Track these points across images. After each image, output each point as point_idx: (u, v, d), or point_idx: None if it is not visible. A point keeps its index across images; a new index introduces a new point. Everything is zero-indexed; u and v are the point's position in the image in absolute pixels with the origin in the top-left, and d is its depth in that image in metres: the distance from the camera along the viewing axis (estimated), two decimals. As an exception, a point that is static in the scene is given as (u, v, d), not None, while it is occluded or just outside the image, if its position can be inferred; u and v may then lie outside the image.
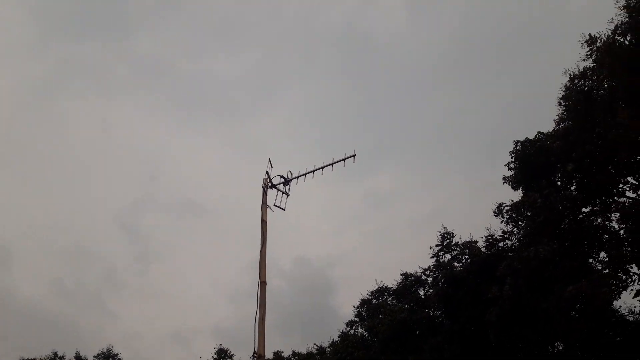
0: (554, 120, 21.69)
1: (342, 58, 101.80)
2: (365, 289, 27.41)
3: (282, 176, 9.78)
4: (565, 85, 19.34)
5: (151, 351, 57.02)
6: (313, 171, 9.52)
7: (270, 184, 9.61)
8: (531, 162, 21.03)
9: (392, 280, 26.94)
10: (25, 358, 31.85)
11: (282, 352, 32.31)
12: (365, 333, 24.84)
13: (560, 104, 19.21)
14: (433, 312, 23.65)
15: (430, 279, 22.84)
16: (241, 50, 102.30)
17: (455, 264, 21.17)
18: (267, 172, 9.60)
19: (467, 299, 19.78)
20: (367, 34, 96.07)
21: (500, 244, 20.42)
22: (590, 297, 15.86)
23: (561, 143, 19.81)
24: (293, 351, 32.08)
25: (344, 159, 9.33)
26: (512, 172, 21.63)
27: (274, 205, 9.46)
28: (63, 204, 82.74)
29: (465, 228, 33.64)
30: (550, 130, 21.69)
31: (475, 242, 21.26)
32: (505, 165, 22.19)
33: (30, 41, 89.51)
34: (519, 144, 21.90)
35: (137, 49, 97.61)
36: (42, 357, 32.22)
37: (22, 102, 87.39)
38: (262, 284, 8.33)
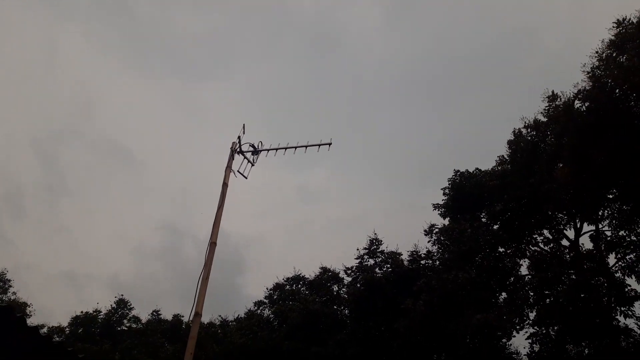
0: (496, 159, 23.04)
1: (307, 45, 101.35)
2: (274, 275, 27.66)
3: (252, 145, 9.66)
4: (517, 131, 20.60)
5: (40, 286, 54.18)
6: (285, 148, 9.47)
7: (239, 150, 9.48)
8: (465, 193, 22.22)
9: (310, 272, 27.37)
10: None
11: (182, 316, 31.93)
12: (271, 316, 25.08)
13: (509, 146, 20.37)
14: (342, 310, 24.38)
15: (349, 279, 23.46)
16: (209, 8, 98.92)
17: (377, 270, 21.90)
18: (238, 137, 9.39)
19: (380, 305, 20.54)
20: (337, 29, 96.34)
21: (423, 262, 21.37)
22: (494, 329, 17.06)
23: (497, 183, 21.09)
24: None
25: (319, 145, 9.34)
26: (446, 198, 22.75)
27: (238, 171, 9.36)
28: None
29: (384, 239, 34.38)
30: (489, 168, 23.07)
31: (400, 254, 22.12)
32: (442, 189, 23.32)
33: None
34: (458, 173, 23.11)
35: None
36: None
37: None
38: (212, 244, 8.17)
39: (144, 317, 31.46)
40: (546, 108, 18.43)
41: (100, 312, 30.25)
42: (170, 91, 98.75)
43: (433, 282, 18.60)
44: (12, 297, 31.56)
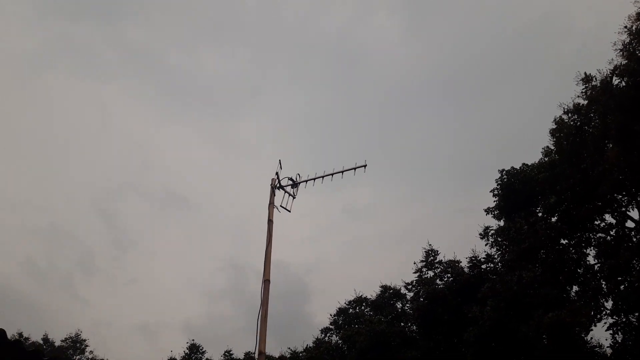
0: (541, 151, 22.40)
1: (332, 67, 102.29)
2: (337, 298, 27.65)
3: (290, 178, 9.91)
4: (558, 118, 19.98)
5: (118, 341, 56.10)
6: (323, 176, 9.66)
7: (278, 185, 9.75)
8: (515, 191, 21.60)
9: (370, 291, 27.20)
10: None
11: (253, 353, 32.22)
12: (339, 342, 24.98)
13: (552, 134, 19.76)
14: (409, 326, 24.00)
15: (411, 294, 23.15)
16: (232, 48, 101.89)
17: (438, 282, 21.52)
18: (276, 173, 9.70)
19: (446, 317, 20.11)
20: (360, 46, 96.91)
21: (484, 266, 20.84)
22: (569, 326, 16.31)
23: (547, 175, 20.41)
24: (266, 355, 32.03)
25: (354, 168, 9.50)
26: (496, 200, 22.18)
27: (280, 206, 9.60)
28: (41, 182, 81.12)
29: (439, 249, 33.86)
30: (535, 162, 22.40)
31: (459, 261, 21.67)
32: (490, 191, 22.74)
33: (26, 16, 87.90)
34: (504, 172, 22.51)
35: (128, 35, 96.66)
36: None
37: (10, 76, 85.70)
38: (266, 282, 8.39)
39: (217, 358, 32.05)
40: (583, 90, 17.84)
41: (175, 359, 31.06)
42: (208, 132, 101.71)
43: (497, 285, 18.09)
44: (90, 356, 33.05)
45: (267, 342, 8.04)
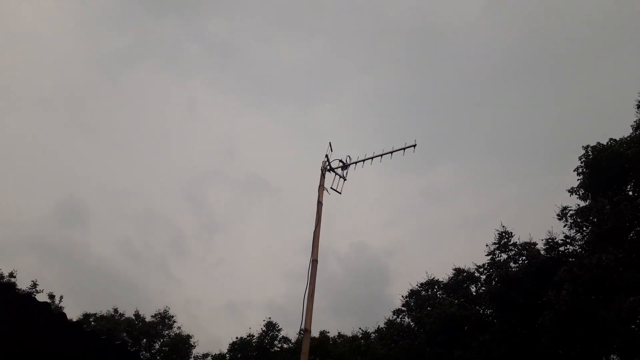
0: (631, 125, 20.61)
1: (409, 48, 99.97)
2: (415, 281, 27.30)
3: (340, 160, 9.97)
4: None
5: (208, 318, 59.67)
6: (372, 158, 9.64)
7: (329, 167, 9.82)
8: (602, 168, 20.06)
9: (442, 275, 26.67)
10: (88, 312, 34.34)
11: (329, 332, 33.00)
12: (411, 323, 24.82)
13: (639, 107, 18.10)
14: (484, 310, 23.29)
15: (483, 277, 22.43)
16: (309, 37, 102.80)
17: (512, 264, 20.66)
18: (326, 155, 9.81)
19: (520, 301, 19.31)
20: (437, 25, 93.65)
21: (561, 249, 19.71)
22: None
23: (636, 150, 18.77)
24: (338, 332, 32.72)
25: (403, 148, 9.39)
26: (580, 178, 20.75)
27: (331, 188, 9.69)
28: (137, 171, 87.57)
29: (520, 233, 32.34)
30: (625, 136, 20.62)
31: (535, 244, 20.61)
32: (574, 170, 21.31)
33: (114, 16, 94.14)
34: (589, 149, 20.92)
35: (209, 29, 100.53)
36: (104, 313, 34.64)
37: (102, 71, 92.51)
38: (314, 262, 8.58)
39: (293, 336, 33.14)
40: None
41: (253, 336, 32.51)
42: (287, 119, 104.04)
43: (575, 269, 17.05)
44: (177, 331, 35.43)
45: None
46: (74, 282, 56.64)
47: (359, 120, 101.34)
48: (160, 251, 69.32)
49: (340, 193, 9.89)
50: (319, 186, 9.61)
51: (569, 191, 21.12)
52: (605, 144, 20.91)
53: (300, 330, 7.86)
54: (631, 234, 18.16)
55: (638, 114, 18.60)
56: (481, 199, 74.79)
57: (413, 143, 9.32)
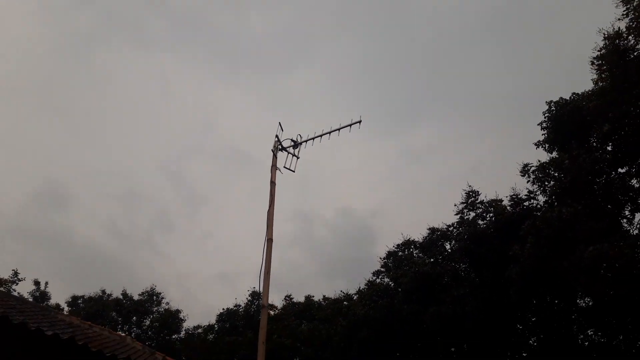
0: (591, 79, 21.01)
1: (380, 10, 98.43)
2: (400, 240, 27.97)
3: (292, 139, 10.22)
4: (602, 45, 18.52)
5: (201, 290, 60.65)
6: (321, 136, 9.88)
7: (280, 147, 10.07)
8: (565, 122, 20.54)
9: (421, 233, 27.43)
10: (76, 295, 34.78)
11: (313, 296, 33.92)
12: (390, 283, 25.64)
13: (592, 63, 18.46)
14: (459, 265, 24.14)
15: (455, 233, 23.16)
16: (277, 4, 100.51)
17: (480, 222, 21.34)
18: (276, 136, 10.01)
19: (489, 256, 20.09)
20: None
21: (526, 204, 20.37)
22: (613, 258, 15.82)
23: (597, 103, 19.22)
24: (323, 296, 33.66)
25: (349, 125, 9.63)
26: (545, 133, 21.26)
27: (284, 167, 9.95)
28: (115, 150, 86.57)
29: (499, 187, 33.44)
30: (587, 90, 21.04)
31: (501, 200, 21.27)
32: (538, 124, 21.82)
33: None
34: (552, 104, 21.38)
35: (171, 2, 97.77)
36: (92, 294, 35.09)
37: (68, 52, 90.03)
38: (269, 240, 8.90)
39: (279, 302, 34.05)
40: (624, 12, 16.44)
41: (240, 305, 33.29)
42: (260, 89, 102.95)
43: (537, 222, 17.70)
44: (166, 307, 36.13)
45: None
46: (61, 266, 56.93)
47: (333, 85, 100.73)
48: (146, 229, 69.65)
49: (293, 171, 10.16)
50: (272, 166, 9.84)
51: (535, 144, 21.66)
52: (567, 98, 21.38)
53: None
54: (590, 186, 18.79)
55: (593, 70, 18.88)
56: (459, 157, 75.86)
57: (359, 119, 9.58)
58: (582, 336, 20.30)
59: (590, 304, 19.50)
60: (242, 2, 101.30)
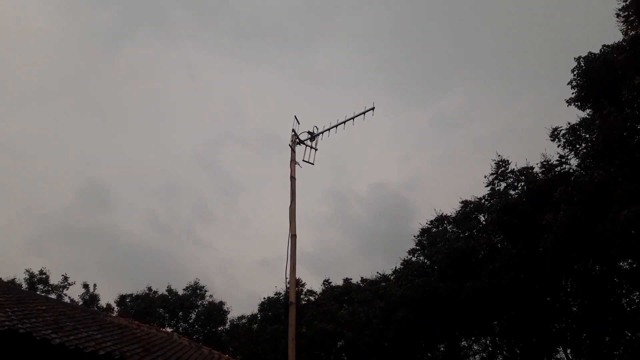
0: (620, 30, 20.14)
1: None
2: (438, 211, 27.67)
3: (309, 132, 10.30)
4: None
5: (244, 276, 62.00)
6: (336, 126, 9.95)
7: (297, 141, 10.16)
8: (595, 78, 19.80)
9: (456, 205, 27.12)
10: (124, 294, 36.12)
11: (351, 279, 34.20)
12: (425, 261, 25.58)
13: (618, 16, 17.67)
14: (494, 237, 23.84)
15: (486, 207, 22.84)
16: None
17: (511, 192, 20.97)
18: (293, 130, 10.11)
19: (523, 227, 19.77)
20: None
21: (558, 169, 19.87)
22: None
23: (627, 55, 18.43)
24: (362, 277, 33.90)
25: (363, 113, 9.65)
26: (575, 91, 20.58)
27: (303, 160, 10.05)
28: (150, 145, 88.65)
29: (537, 148, 32.52)
30: (618, 41, 20.19)
31: (532, 168, 20.81)
32: (568, 83, 21.12)
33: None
34: (581, 59, 20.63)
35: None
36: (139, 292, 36.39)
37: (95, 50, 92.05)
38: (293, 237, 9.06)
39: (317, 287, 34.46)
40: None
41: (280, 294, 33.89)
42: (287, 68, 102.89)
43: (569, 188, 17.27)
44: (210, 299, 37.14)
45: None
46: (108, 264, 59.10)
47: (359, 56, 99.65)
48: (187, 221, 71.30)
49: (313, 164, 10.27)
50: (290, 161, 9.96)
51: (566, 101, 21.00)
52: (597, 52, 20.57)
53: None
54: (624, 146, 18.16)
55: (618, 23, 18.10)
56: (492, 119, 74.28)
57: (372, 107, 9.56)
58: (627, 300, 19.87)
59: (634, 266, 19.03)
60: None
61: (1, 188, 66.89)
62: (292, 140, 10.14)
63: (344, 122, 9.86)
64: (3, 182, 68.43)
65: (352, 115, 9.79)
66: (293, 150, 10.04)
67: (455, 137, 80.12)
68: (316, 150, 10.29)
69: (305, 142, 10.24)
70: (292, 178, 9.73)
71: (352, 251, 62.93)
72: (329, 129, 10.07)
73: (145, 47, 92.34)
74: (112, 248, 61.59)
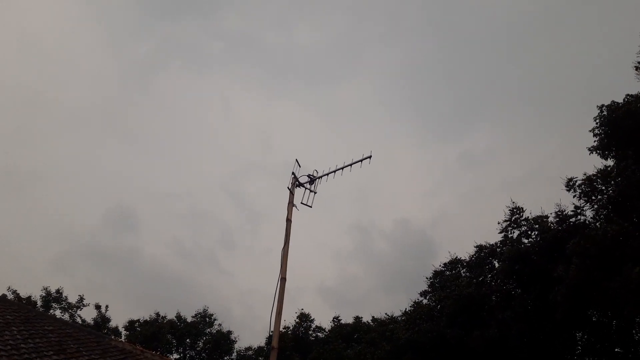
0: (641, 77, 19.89)
1: (429, 14, 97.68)
2: (465, 250, 27.22)
3: (309, 175, 10.41)
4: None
5: (263, 307, 61.49)
6: (334, 172, 10.06)
7: (297, 183, 10.27)
8: (618, 127, 19.45)
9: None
10: (133, 319, 36.30)
11: (362, 317, 33.70)
12: (435, 304, 25.05)
13: (637, 69, 17.53)
14: (506, 285, 23.27)
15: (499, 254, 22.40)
16: (325, 15, 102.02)
17: (524, 240, 20.56)
18: (293, 173, 10.23)
19: (534, 276, 19.30)
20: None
21: (572, 220, 19.45)
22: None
23: (653, 103, 18.15)
24: (372, 317, 33.38)
25: (360, 160, 9.76)
26: (597, 140, 20.26)
27: (301, 203, 10.14)
28: (179, 172, 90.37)
29: (559, 195, 31.81)
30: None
31: (546, 217, 20.40)
32: (590, 131, 20.81)
33: (132, 23, 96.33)
34: (604, 108, 20.36)
35: (226, 24, 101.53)
36: (147, 318, 36.51)
37: (131, 80, 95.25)
38: (282, 280, 9.05)
39: (327, 325, 34.02)
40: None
41: (288, 327, 33.56)
42: (313, 104, 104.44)
43: (582, 241, 16.87)
44: (218, 328, 36.97)
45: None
46: (130, 286, 59.61)
47: (387, 94, 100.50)
48: (210, 248, 71.81)
49: (310, 207, 10.34)
50: (288, 203, 10.04)
51: (589, 149, 20.63)
52: (620, 101, 20.27)
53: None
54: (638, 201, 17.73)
55: (638, 76, 17.93)
56: (520, 158, 73.50)
57: (369, 155, 9.67)
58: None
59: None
60: (290, 16, 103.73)
61: (33, 206, 68.84)
62: (291, 183, 10.24)
63: (342, 169, 9.98)
64: (36, 200, 70.52)
65: (350, 162, 9.90)
66: (292, 193, 10.12)
67: (481, 175, 79.39)
68: (315, 193, 10.37)
69: (304, 185, 10.34)
70: (288, 220, 9.78)
71: (373, 287, 62.18)
72: (327, 174, 10.18)
73: (179, 78, 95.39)
74: (135, 270, 62.35)
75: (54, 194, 74.84)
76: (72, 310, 35.49)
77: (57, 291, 34.57)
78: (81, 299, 35.77)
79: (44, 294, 34.64)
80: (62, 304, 34.99)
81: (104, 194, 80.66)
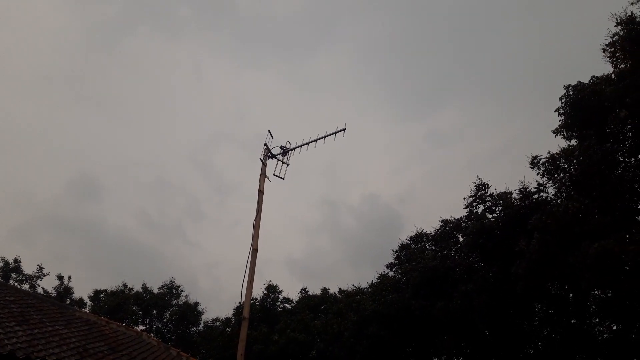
0: (611, 62, 20.39)
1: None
2: (430, 225, 27.65)
3: (281, 147, 10.32)
4: (615, 32, 17.96)
5: (229, 278, 61.62)
6: (307, 143, 10.00)
7: (269, 155, 10.17)
8: (582, 108, 19.96)
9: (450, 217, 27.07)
10: (99, 289, 35.77)
11: (329, 289, 34.18)
12: (400, 277, 25.63)
13: (604, 51, 17.93)
14: (470, 258, 23.94)
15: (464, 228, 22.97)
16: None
17: (488, 215, 21.11)
18: (265, 144, 10.12)
19: (498, 250, 19.90)
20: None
21: (535, 197, 20.04)
22: (618, 254, 15.50)
23: (615, 87, 18.66)
24: (339, 288, 33.90)
25: (334, 133, 9.70)
26: (562, 119, 20.74)
27: (273, 174, 10.08)
28: (146, 140, 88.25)
29: (524, 171, 32.86)
30: (607, 73, 20.42)
31: (510, 193, 20.97)
32: (555, 110, 21.29)
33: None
34: (570, 88, 20.81)
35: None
36: (114, 289, 36.07)
37: (97, 42, 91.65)
38: (254, 251, 9.01)
39: (294, 297, 34.39)
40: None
41: (256, 299, 33.77)
42: (287, 73, 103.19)
43: (544, 217, 17.42)
44: (185, 300, 36.90)
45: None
46: (95, 257, 58.56)
47: (358, 68, 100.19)
48: (177, 218, 70.93)
49: (283, 179, 10.29)
50: (260, 175, 9.96)
51: (553, 132, 21.16)
52: (587, 82, 20.73)
53: (236, 317, 8.00)
54: (602, 178, 18.35)
55: (605, 58, 18.37)
56: (486, 138, 74.82)
57: (343, 127, 9.62)
58: (601, 329, 19.98)
59: (609, 294, 19.18)
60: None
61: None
62: (263, 154, 10.14)
63: (315, 141, 9.91)
64: (-5, 166, 67.82)
65: (324, 134, 9.83)
66: (264, 164, 10.04)
67: (449, 153, 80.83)
68: (287, 165, 10.31)
69: (277, 156, 10.25)
70: (260, 192, 9.72)
71: (340, 259, 63.09)
72: (300, 146, 10.12)
73: (148, 42, 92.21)
74: (98, 240, 61.16)
75: (14, 163, 72.12)
76: (32, 280, 34.69)
77: (15, 260, 33.64)
78: (40, 268, 34.94)
79: (1, 264, 33.67)
80: (20, 275, 34.12)
81: (67, 162, 78.36)
